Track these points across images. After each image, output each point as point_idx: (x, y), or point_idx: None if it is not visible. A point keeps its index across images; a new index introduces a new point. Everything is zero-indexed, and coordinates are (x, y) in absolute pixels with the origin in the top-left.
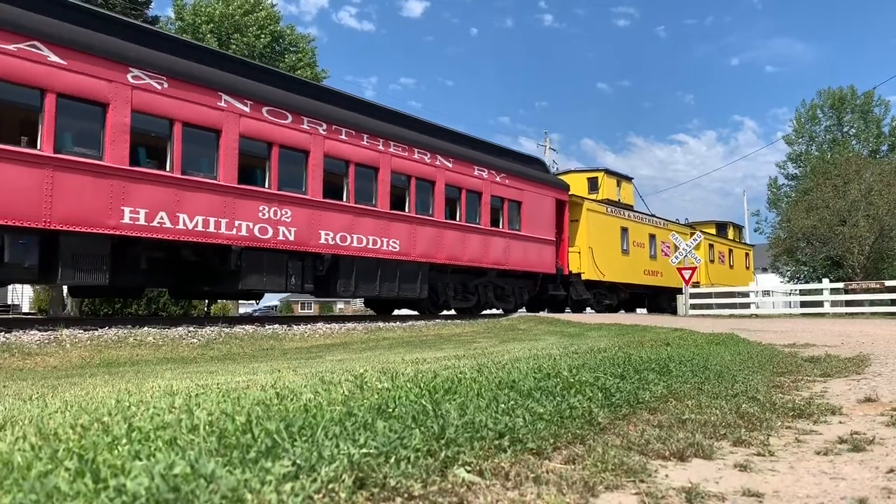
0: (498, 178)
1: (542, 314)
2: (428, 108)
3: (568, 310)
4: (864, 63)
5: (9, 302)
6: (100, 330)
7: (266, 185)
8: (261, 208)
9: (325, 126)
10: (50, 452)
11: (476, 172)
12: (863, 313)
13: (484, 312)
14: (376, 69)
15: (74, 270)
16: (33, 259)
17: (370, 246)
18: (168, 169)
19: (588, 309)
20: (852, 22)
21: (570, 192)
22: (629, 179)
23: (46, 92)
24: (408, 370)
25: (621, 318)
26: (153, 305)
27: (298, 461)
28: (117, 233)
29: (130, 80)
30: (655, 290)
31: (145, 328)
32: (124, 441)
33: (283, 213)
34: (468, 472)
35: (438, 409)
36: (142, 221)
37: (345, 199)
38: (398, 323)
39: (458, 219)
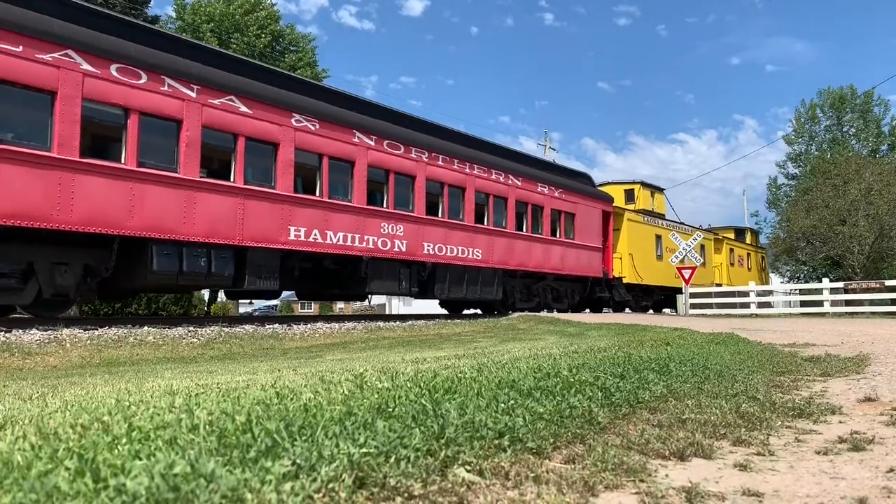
0: (556, 194)
1: (542, 314)
2: (428, 107)
3: (609, 310)
4: (864, 62)
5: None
6: (100, 329)
7: (384, 206)
8: (382, 225)
9: (427, 154)
10: (50, 452)
11: (539, 189)
12: (863, 313)
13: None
14: (376, 68)
15: (257, 278)
16: (231, 269)
17: (459, 255)
18: (318, 195)
19: (626, 309)
20: (852, 21)
21: (613, 204)
22: (661, 190)
23: (238, 136)
24: (408, 370)
25: (621, 317)
26: (153, 305)
27: (298, 461)
28: (285, 248)
29: (294, 123)
30: None
31: (145, 328)
32: (124, 441)
33: (398, 228)
34: (468, 471)
35: (438, 409)
36: (301, 238)
37: (440, 215)
38: (398, 322)
39: (524, 230)
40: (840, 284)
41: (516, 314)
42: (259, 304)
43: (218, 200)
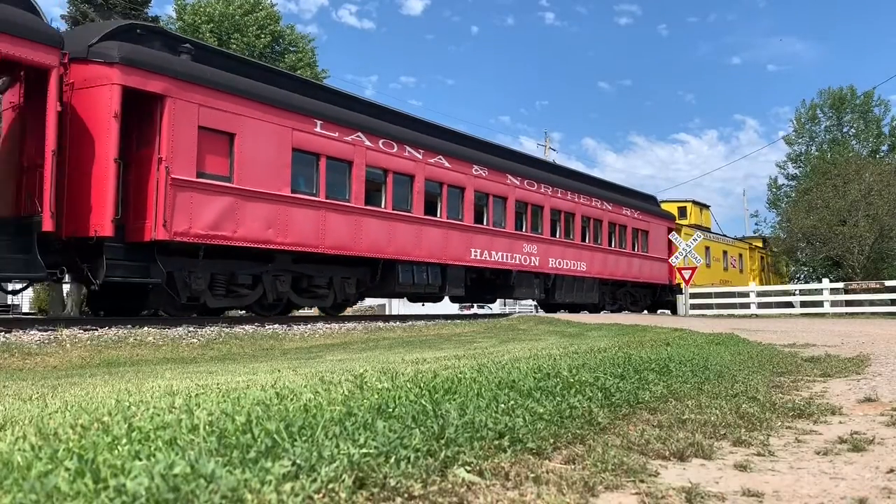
0: (635, 215)
1: (542, 314)
2: (428, 107)
3: (668, 311)
4: (865, 62)
5: (9, 302)
6: (100, 330)
7: (523, 230)
8: (524, 246)
9: (550, 189)
10: (50, 452)
11: (623, 212)
12: (863, 313)
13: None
14: (376, 68)
15: (452, 287)
16: (439, 281)
17: (571, 268)
18: (485, 224)
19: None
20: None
21: (675, 221)
22: (707, 207)
23: (443, 184)
24: (408, 370)
25: (621, 318)
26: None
27: (298, 461)
28: (468, 264)
29: (473, 172)
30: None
31: (145, 328)
32: (124, 441)
33: (532, 248)
34: (468, 471)
35: (438, 409)
36: (477, 257)
37: (558, 236)
38: (398, 323)
39: (613, 246)
40: (840, 285)
41: (516, 314)
42: None
43: (433, 232)
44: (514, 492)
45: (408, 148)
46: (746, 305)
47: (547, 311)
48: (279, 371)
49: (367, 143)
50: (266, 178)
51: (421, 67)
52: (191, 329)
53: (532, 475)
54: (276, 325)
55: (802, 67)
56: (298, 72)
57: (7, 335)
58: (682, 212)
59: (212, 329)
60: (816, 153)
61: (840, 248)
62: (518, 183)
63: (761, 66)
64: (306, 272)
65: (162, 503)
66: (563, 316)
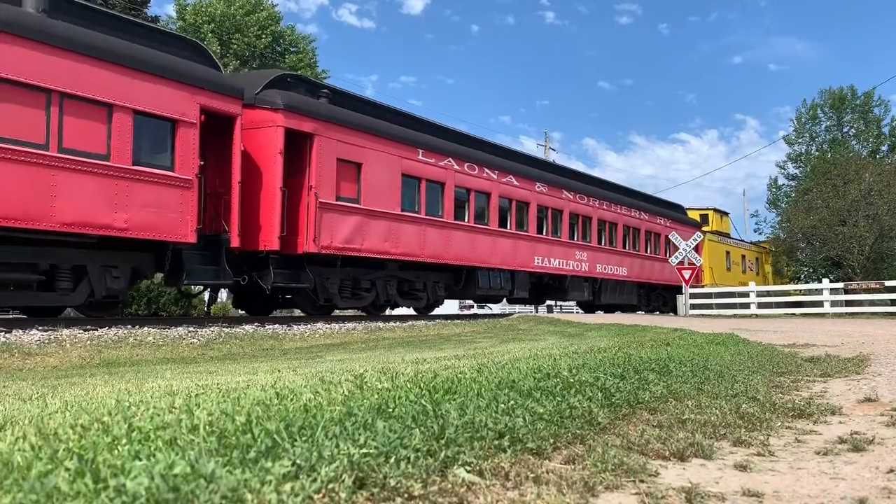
0: (668, 224)
1: (542, 314)
2: (428, 106)
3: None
4: (866, 62)
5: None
6: (100, 330)
7: (575, 239)
8: (576, 253)
9: (598, 202)
10: (50, 452)
11: (658, 221)
12: (863, 313)
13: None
14: (376, 67)
15: (519, 290)
16: (509, 285)
17: (613, 272)
18: (545, 234)
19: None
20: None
21: (701, 228)
22: (727, 214)
23: (511, 200)
24: (408, 370)
25: (621, 318)
26: (153, 305)
27: (298, 461)
28: (532, 270)
29: (536, 189)
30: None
31: (145, 328)
32: (124, 441)
33: (583, 255)
34: (468, 472)
35: (438, 409)
36: (539, 264)
37: (604, 244)
38: (398, 323)
39: (649, 252)
40: (840, 285)
41: (516, 314)
42: None
43: (505, 242)
44: (514, 492)
45: (486, 170)
46: (746, 305)
47: (587, 312)
48: (279, 371)
49: (456, 166)
50: (383, 199)
51: (421, 67)
52: (191, 329)
53: (532, 475)
54: (276, 325)
55: (803, 67)
56: (298, 72)
57: (7, 335)
58: (705, 219)
59: (212, 329)
60: (817, 153)
61: (840, 248)
62: (571, 197)
63: (762, 65)
64: (408, 277)
65: (162, 503)
66: (562, 316)
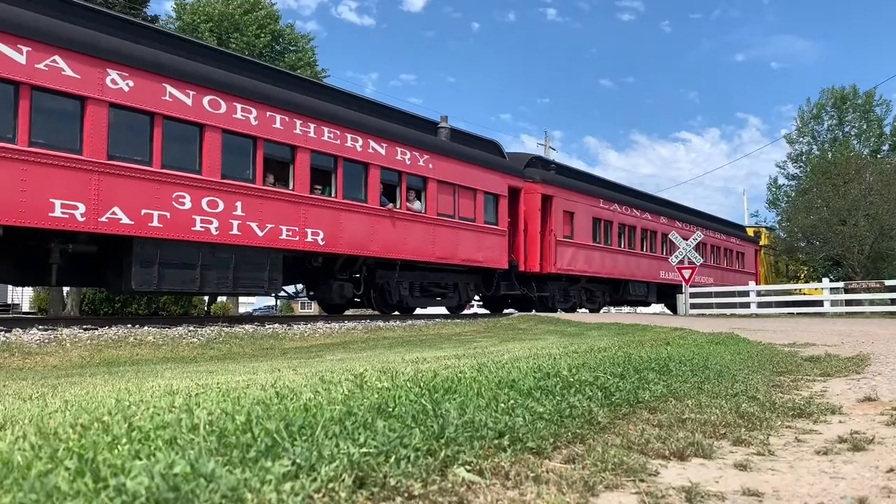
0: (737, 242)
1: (542, 314)
2: (429, 105)
3: None
4: (868, 61)
5: (9, 301)
6: (100, 329)
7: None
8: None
9: (688, 226)
10: (50, 452)
11: (731, 240)
12: (863, 313)
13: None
14: (376, 65)
15: (650, 296)
16: (646, 291)
17: (707, 281)
18: (664, 254)
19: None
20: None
21: (759, 244)
22: (772, 229)
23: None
24: (408, 369)
25: (621, 317)
26: (153, 305)
27: (298, 460)
28: (661, 282)
29: (660, 221)
30: None
31: (145, 328)
32: (124, 440)
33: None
34: (468, 471)
35: (438, 409)
36: (665, 277)
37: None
38: (398, 322)
39: (726, 264)
40: (840, 284)
41: (516, 314)
42: (259, 303)
43: (644, 261)
44: (514, 491)
45: (633, 210)
46: (746, 305)
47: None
48: (279, 370)
49: (618, 209)
50: (583, 235)
51: (421, 64)
52: (191, 328)
53: (532, 475)
54: (275, 325)
55: (805, 65)
56: (298, 71)
57: (7, 335)
58: (757, 235)
59: (212, 329)
60: (817, 153)
61: (840, 248)
62: (680, 226)
63: (764, 63)
64: (592, 288)
65: (162, 503)
66: (562, 315)
